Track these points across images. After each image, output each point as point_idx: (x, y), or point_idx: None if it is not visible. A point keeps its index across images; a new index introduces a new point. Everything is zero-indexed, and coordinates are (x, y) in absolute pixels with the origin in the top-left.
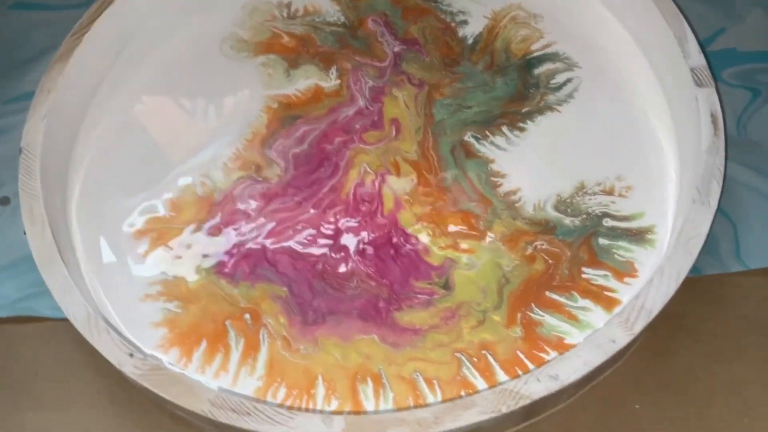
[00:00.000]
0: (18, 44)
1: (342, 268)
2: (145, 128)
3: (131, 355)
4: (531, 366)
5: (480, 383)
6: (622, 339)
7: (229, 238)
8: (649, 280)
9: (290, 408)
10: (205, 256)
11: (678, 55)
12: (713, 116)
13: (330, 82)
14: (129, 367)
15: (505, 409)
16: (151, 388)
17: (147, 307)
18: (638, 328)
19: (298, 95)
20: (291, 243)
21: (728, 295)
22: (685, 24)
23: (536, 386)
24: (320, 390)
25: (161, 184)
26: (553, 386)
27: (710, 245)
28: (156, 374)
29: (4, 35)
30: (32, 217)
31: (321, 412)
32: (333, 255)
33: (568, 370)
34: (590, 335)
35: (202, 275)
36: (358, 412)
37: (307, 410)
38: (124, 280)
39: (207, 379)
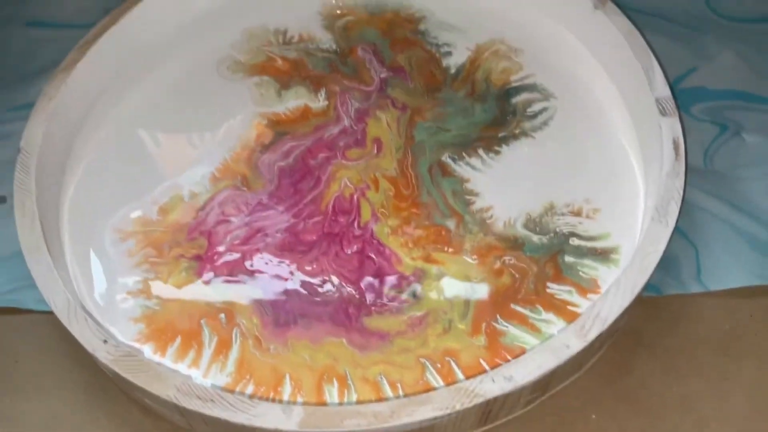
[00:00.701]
0: (28, 58)
1: (316, 274)
2: (140, 140)
3: (105, 341)
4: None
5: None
6: (576, 345)
7: (210, 242)
8: (605, 291)
9: (251, 397)
10: (186, 258)
11: (645, 86)
12: (675, 143)
13: (318, 102)
14: (102, 353)
15: (459, 407)
16: (121, 374)
17: (127, 303)
18: (592, 335)
19: (287, 114)
20: (269, 249)
21: (688, 314)
22: (653, 58)
23: (491, 386)
24: (287, 388)
25: (152, 193)
26: (507, 386)
27: (672, 267)
28: (127, 360)
29: (16, 49)
30: (23, 210)
31: (281, 402)
32: (308, 261)
33: (522, 372)
34: (545, 341)
35: (182, 276)
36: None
37: (267, 399)
38: (107, 276)
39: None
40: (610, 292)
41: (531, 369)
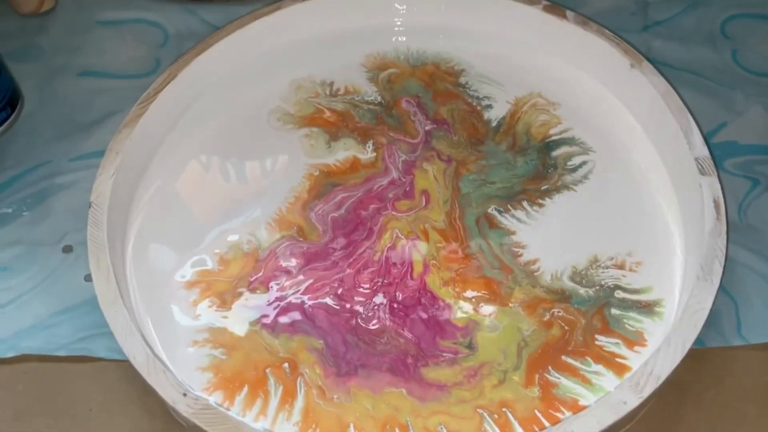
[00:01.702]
0: (84, 108)
1: (374, 325)
2: (196, 188)
3: (185, 394)
4: (547, 424)
5: None
6: (633, 401)
7: (271, 292)
8: (657, 348)
9: None
10: (248, 308)
11: (684, 146)
12: (716, 202)
13: (366, 154)
14: (183, 406)
15: None
16: (202, 426)
17: (194, 353)
18: (647, 392)
19: (337, 165)
20: (327, 299)
21: (730, 367)
22: (691, 118)
23: None
24: None
25: (209, 240)
26: None
27: (714, 321)
28: (207, 413)
29: (71, 100)
30: (98, 265)
31: None
32: (366, 312)
33: (583, 427)
34: (603, 397)
35: (245, 326)
36: None
37: None
38: (174, 326)
39: (248, 421)
40: (662, 350)
41: (591, 424)
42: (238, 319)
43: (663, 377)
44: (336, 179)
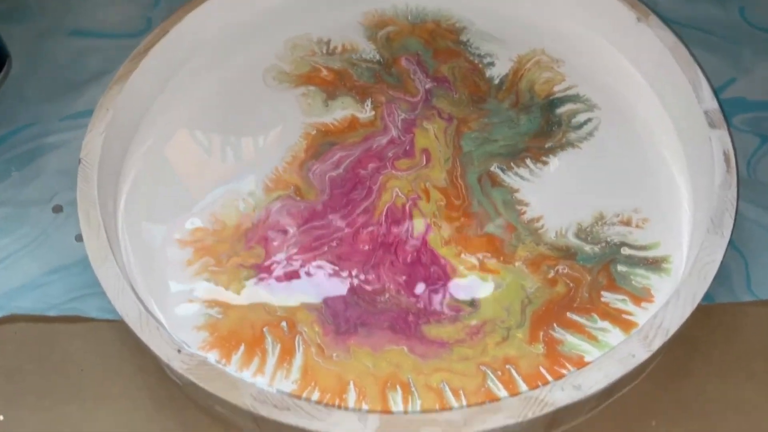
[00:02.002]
0: (74, 68)
1: (374, 284)
2: (190, 148)
3: (179, 350)
4: (552, 380)
5: (503, 395)
6: (641, 355)
7: (268, 252)
8: (666, 301)
9: (326, 405)
10: (245, 267)
11: (693, 100)
12: (726, 155)
13: (365, 113)
14: (177, 362)
15: (531, 415)
16: (197, 382)
17: (189, 312)
18: (656, 345)
19: (335, 124)
20: (325, 259)
21: (740, 322)
22: (699, 71)
23: (560, 394)
24: (351, 395)
25: (204, 199)
26: (575, 395)
27: (723, 277)
28: (202, 369)
29: (61, 59)
30: (89, 221)
31: (356, 410)
32: (365, 272)
33: (590, 381)
34: (611, 350)
35: (242, 285)
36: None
37: (342, 408)
38: (168, 286)
39: (246, 377)
40: (671, 303)
41: (598, 378)
42: (234, 279)
43: (672, 331)
44: (334, 138)
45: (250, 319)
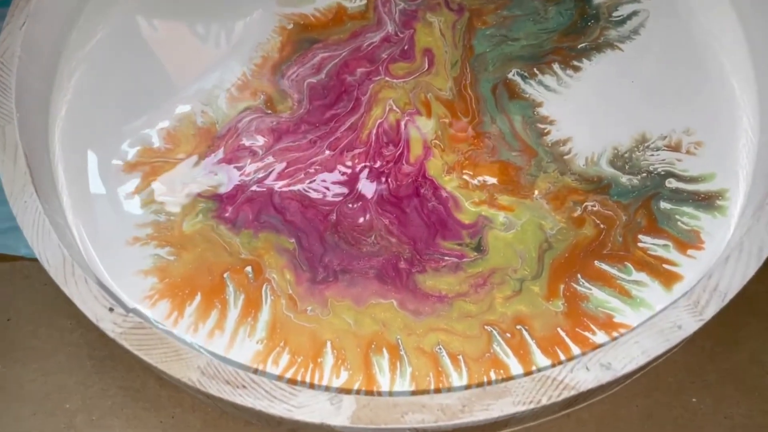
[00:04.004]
0: None
1: (359, 220)
2: (144, 45)
3: (111, 309)
4: (573, 346)
5: (513, 363)
6: (690, 326)
7: (231, 177)
8: (724, 256)
9: (292, 381)
10: (203, 197)
11: None
12: None
13: (354, 2)
14: (108, 324)
15: (545, 401)
16: (132, 350)
17: (135, 252)
18: (709, 313)
19: (317, 16)
20: (302, 188)
21: None
22: None
23: (584, 375)
24: (328, 359)
25: (158, 111)
26: (604, 377)
27: None
28: (139, 333)
29: None
30: (4, 141)
31: (328, 388)
32: (349, 204)
33: (623, 359)
34: (652, 319)
35: (198, 219)
36: (371, 388)
37: (312, 386)
38: (110, 219)
39: (200, 339)
40: (731, 258)
41: (634, 355)
42: (189, 212)
43: (731, 295)
44: (315, 34)
45: (209, 261)
